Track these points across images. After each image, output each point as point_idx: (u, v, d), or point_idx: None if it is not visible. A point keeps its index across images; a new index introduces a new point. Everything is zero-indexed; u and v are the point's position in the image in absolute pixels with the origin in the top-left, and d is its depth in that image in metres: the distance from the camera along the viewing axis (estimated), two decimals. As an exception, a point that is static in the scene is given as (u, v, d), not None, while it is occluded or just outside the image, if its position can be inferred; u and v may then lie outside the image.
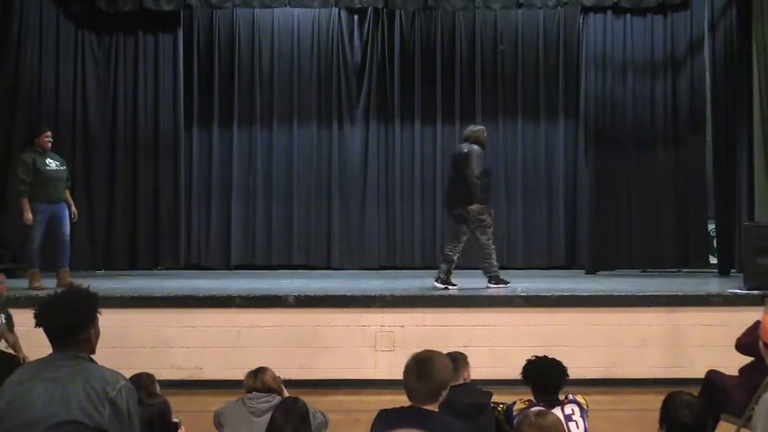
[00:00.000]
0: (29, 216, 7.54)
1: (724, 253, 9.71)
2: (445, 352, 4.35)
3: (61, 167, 8.02)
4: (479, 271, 7.94)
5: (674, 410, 2.95)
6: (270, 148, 11.47)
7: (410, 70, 11.45)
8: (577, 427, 3.69)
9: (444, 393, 3.20)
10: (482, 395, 4.20)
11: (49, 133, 8.03)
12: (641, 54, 10.95)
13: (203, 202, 11.37)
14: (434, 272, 8.41)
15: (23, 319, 5.77)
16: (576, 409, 3.73)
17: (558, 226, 11.31)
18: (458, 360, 4.33)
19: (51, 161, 7.92)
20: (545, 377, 3.86)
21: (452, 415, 3.70)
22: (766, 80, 9.08)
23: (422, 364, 3.15)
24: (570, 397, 3.83)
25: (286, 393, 4.07)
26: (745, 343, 4.71)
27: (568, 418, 3.68)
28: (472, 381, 4.41)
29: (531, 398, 3.91)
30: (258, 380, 3.99)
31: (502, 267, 9.07)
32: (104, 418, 2.51)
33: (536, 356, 4.03)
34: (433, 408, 3.13)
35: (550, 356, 4.02)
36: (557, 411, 3.61)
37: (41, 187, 7.67)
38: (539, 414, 2.81)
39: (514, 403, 3.99)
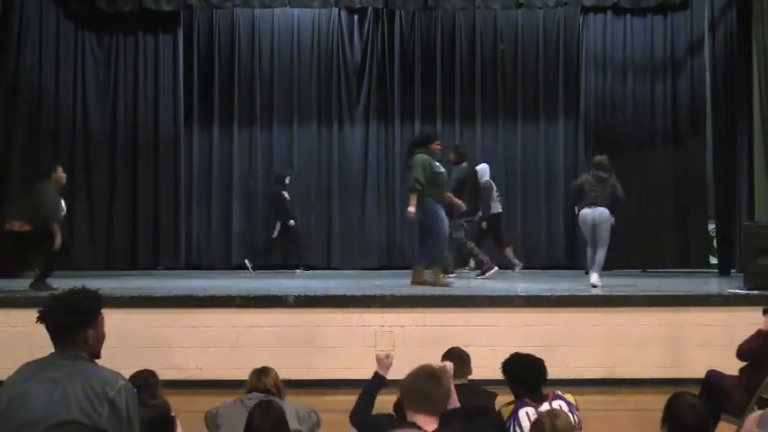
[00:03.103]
0: (413, 210, 7.84)
1: (724, 253, 9.70)
2: (447, 348, 4.35)
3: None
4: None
5: (678, 411, 2.94)
6: (270, 148, 11.47)
7: (410, 70, 11.46)
8: None
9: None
10: (486, 396, 4.14)
11: (439, 141, 8.38)
12: (641, 54, 10.96)
13: (203, 202, 11.37)
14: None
15: (25, 319, 5.78)
16: (564, 404, 3.68)
17: (558, 226, 11.31)
18: (462, 357, 4.27)
19: (439, 165, 8.13)
20: (526, 372, 3.79)
21: (455, 415, 3.68)
22: (766, 80, 9.07)
23: (435, 375, 3.06)
24: (557, 393, 3.77)
25: (285, 397, 4.06)
26: (747, 349, 4.73)
27: None
28: (473, 381, 4.38)
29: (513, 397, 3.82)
30: (261, 381, 3.98)
31: (502, 267, 9.39)
32: (103, 418, 2.50)
33: (516, 353, 3.95)
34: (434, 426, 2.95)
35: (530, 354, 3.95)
36: (544, 407, 3.58)
37: (436, 188, 7.94)
38: (552, 416, 2.77)
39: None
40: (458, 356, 4.29)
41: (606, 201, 8.00)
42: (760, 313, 4.86)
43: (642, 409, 5.29)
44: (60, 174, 7.70)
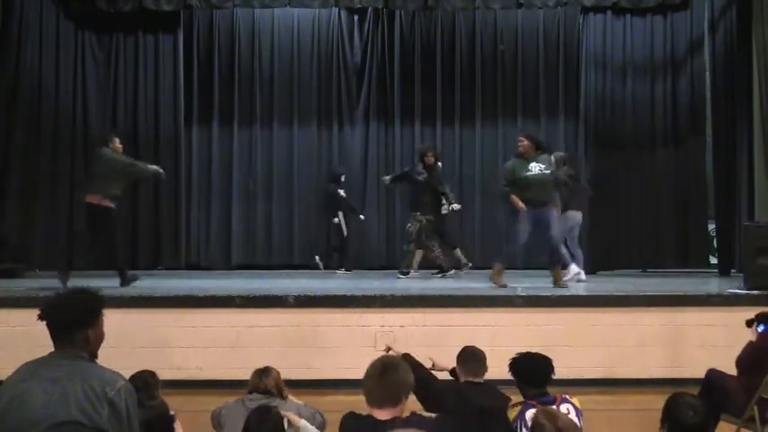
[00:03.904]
0: (521, 205, 7.74)
1: (724, 253, 9.71)
2: (462, 347, 4.32)
3: (545, 171, 7.89)
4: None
5: (678, 411, 2.94)
6: (270, 148, 11.47)
7: (410, 70, 11.46)
8: None
9: (405, 400, 2.99)
10: (499, 398, 4.02)
11: (521, 138, 8.11)
12: (641, 54, 10.96)
13: (203, 202, 11.37)
14: (432, 271, 9.70)
15: (25, 319, 5.78)
16: (572, 408, 3.67)
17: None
18: (477, 355, 4.22)
19: (536, 165, 7.83)
20: (532, 370, 3.79)
21: (465, 416, 3.66)
22: (766, 80, 9.07)
23: (385, 368, 2.99)
24: (565, 397, 3.77)
25: (289, 396, 4.06)
26: (744, 359, 4.75)
27: None
28: (488, 381, 4.32)
29: (522, 398, 3.82)
30: (262, 381, 3.99)
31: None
32: (103, 419, 2.50)
33: (525, 352, 3.95)
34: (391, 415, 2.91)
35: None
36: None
37: (520, 189, 7.78)
38: (552, 417, 2.76)
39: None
40: (471, 355, 4.22)
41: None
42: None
43: (642, 409, 5.29)
44: (117, 145, 7.97)
